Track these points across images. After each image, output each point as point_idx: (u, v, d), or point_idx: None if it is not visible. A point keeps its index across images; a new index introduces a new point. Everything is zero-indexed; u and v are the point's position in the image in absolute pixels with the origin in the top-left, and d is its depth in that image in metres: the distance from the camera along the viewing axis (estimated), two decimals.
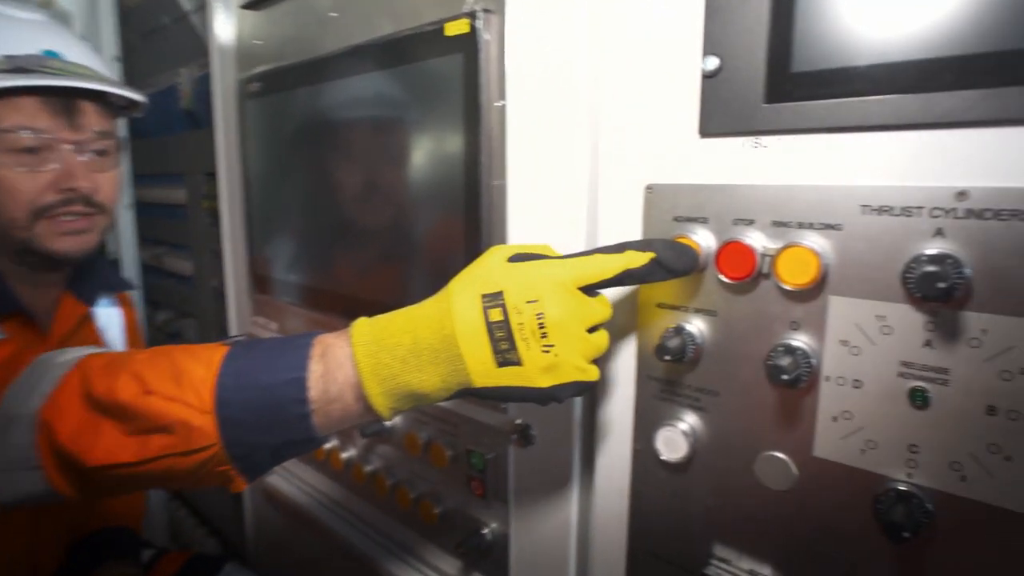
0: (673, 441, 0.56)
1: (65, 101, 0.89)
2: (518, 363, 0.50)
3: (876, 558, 0.47)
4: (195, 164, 1.70)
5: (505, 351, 0.50)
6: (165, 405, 0.51)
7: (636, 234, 0.58)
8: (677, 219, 0.55)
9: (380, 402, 0.51)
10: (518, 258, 0.53)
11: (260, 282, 1.08)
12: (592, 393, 0.63)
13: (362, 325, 0.54)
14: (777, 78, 0.49)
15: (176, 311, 1.90)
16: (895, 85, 0.44)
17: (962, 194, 0.42)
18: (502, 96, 0.65)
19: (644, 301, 0.58)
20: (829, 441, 0.49)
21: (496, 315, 0.50)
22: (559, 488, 0.66)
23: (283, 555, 1.20)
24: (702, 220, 0.54)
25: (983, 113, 0.41)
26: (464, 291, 0.52)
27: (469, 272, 0.54)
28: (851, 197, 0.46)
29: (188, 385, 0.51)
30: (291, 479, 1.10)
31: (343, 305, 0.90)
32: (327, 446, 0.97)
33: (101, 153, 0.95)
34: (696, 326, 0.55)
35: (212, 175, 1.60)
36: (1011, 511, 0.42)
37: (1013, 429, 0.42)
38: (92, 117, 0.93)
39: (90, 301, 1.07)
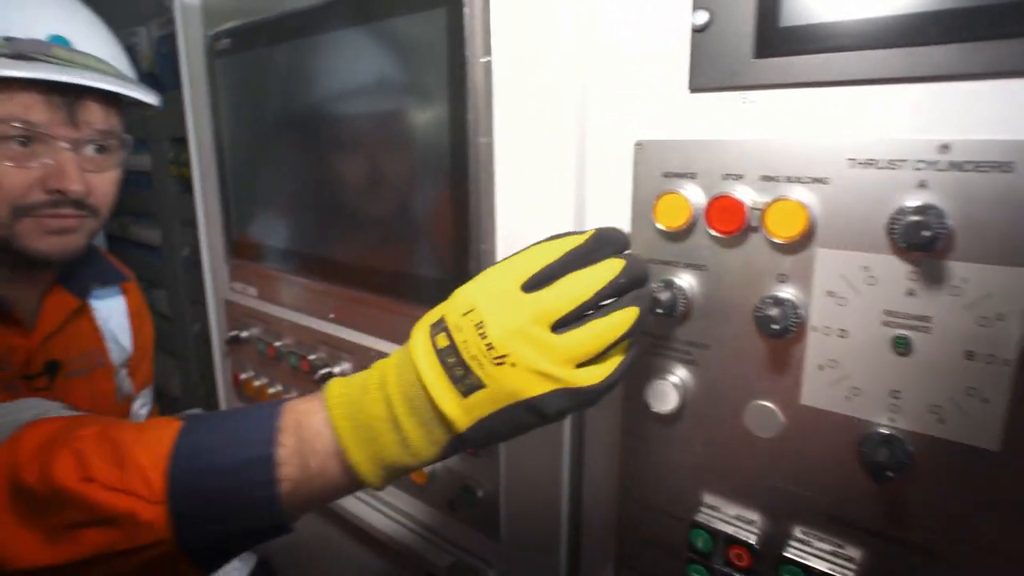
0: (663, 393, 0.57)
1: (67, 95, 0.80)
2: (481, 385, 0.44)
3: (859, 499, 0.50)
4: (160, 129, 1.64)
5: (462, 377, 0.44)
6: (107, 496, 0.44)
7: (626, 191, 0.58)
8: (667, 175, 0.55)
9: (368, 470, 0.46)
10: None
11: (238, 248, 1.06)
12: None
13: (335, 385, 0.49)
14: (766, 32, 0.49)
15: (144, 282, 1.86)
16: (881, 40, 0.44)
17: (945, 147, 0.43)
18: (487, 52, 0.64)
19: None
20: (816, 389, 0.50)
21: (442, 340, 0.45)
22: (549, 442, 0.68)
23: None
24: (691, 175, 0.54)
25: (966, 66, 0.42)
26: (419, 328, 0.48)
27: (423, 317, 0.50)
28: (838, 151, 0.47)
29: (134, 470, 0.44)
30: None
31: (328, 268, 0.89)
32: None
33: (100, 150, 0.86)
34: (686, 280, 0.55)
35: (180, 140, 1.55)
36: (986, 449, 0.44)
37: (990, 373, 0.44)
38: (96, 113, 0.84)
39: (83, 294, 1.01)
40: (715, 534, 0.56)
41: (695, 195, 0.54)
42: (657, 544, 0.62)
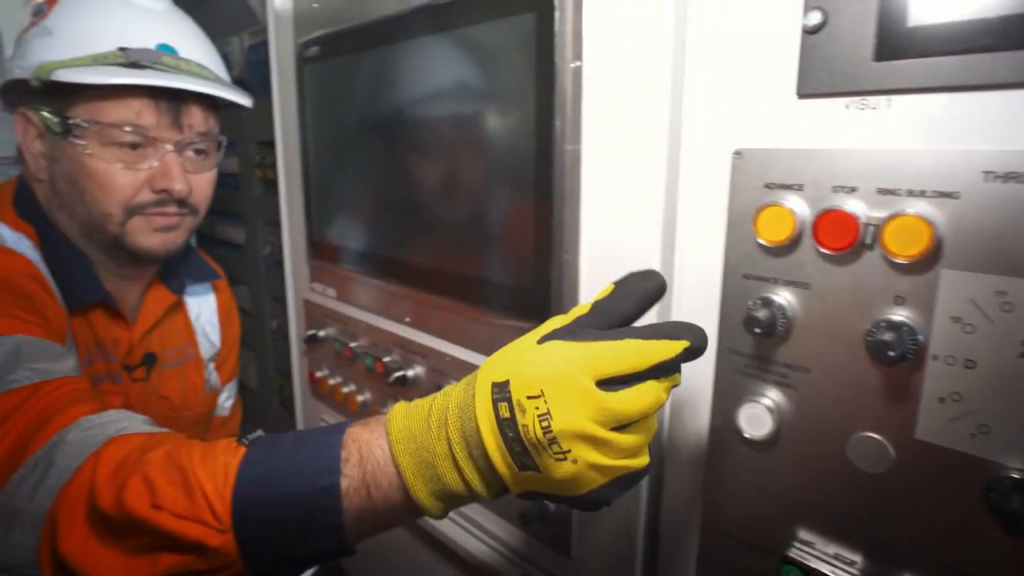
0: (757, 417, 0.54)
1: (173, 100, 0.86)
2: (535, 468, 0.44)
3: (985, 550, 0.45)
4: (247, 134, 1.71)
5: (520, 454, 0.44)
6: (176, 523, 0.45)
7: (720, 201, 0.55)
8: (769, 186, 0.52)
9: (430, 504, 0.47)
10: (553, 335, 0.46)
11: (318, 249, 1.09)
12: None
13: (398, 416, 0.49)
14: (890, 33, 0.45)
15: (228, 279, 1.93)
16: None
17: None
18: (578, 56, 0.62)
19: (729, 271, 0.55)
20: (934, 423, 0.46)
21: (504, 411, 0.44)
22: None
23: None
24: (797, 187, 0.51)
25: None
26: (485, 377, 0.46)
27: (499, 352, 0.48)
28: (972, 163, 0.43)
29: (201, 499, 0.46)
30: None
31: (406, 272, 0.90)
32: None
33: (199, 152, 0.93)
34: (786, 298, 0.52)
35: (265, 144, 1.61)
36: None
37: None
38: (197, 117, 0.90)
39: (179, 290, 1.08)
40: (809, 572, 0.52)
41: (800, 208, 0.50)
42: None
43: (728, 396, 0.57)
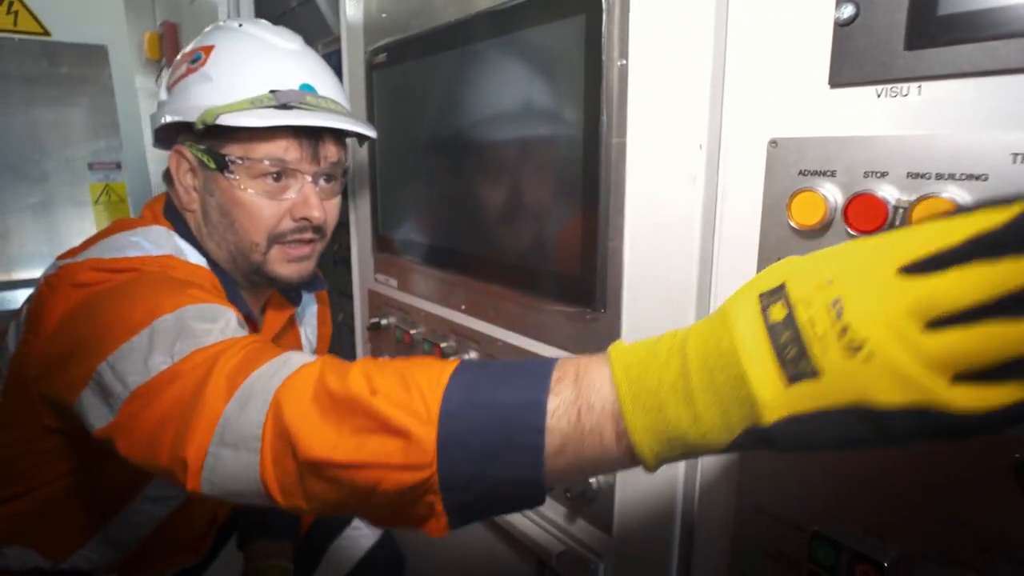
0: None
1: (313, 136, 0.93)
2: (813, 374, 0.35)
3: (1016, 526, 0.46)
4: None
5: (794, 359, 0.36)
6: (389, 408, 0.47)
7: (756, 187, 0.58)
8: (803, 173, 0.54)
9: (642, 439, 0.41)
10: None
11: (382, 242, 1.16)
12: None
13: (619, 344, 0.45)
14: (920, 23, 0.47)
15: None
16: None
17: None
18: (624, 55, 0.66)
19: (764, 255, 0.58)
20: None
21: (777, 312, 0.37)
22: None
23: None
24: (829, 174, 0.53)
25: None
26: (740, 295, 0.40)
27: (749, 281, 0.42)
28: (1000, 146, 0.44)
29: (416, 391, 0.47)
30: None
31: (461, 262, 0.96)
32: None
33: (328, 179, 0.99)
34: None
35: None
36: None
37: None
38: (331, 149, 0.97)
39: (296, 302, 1.16)
40: (840, 547, 0.54)
41: (833, 193, 0.52)
42: (775, 556, 0.61)
43: None
